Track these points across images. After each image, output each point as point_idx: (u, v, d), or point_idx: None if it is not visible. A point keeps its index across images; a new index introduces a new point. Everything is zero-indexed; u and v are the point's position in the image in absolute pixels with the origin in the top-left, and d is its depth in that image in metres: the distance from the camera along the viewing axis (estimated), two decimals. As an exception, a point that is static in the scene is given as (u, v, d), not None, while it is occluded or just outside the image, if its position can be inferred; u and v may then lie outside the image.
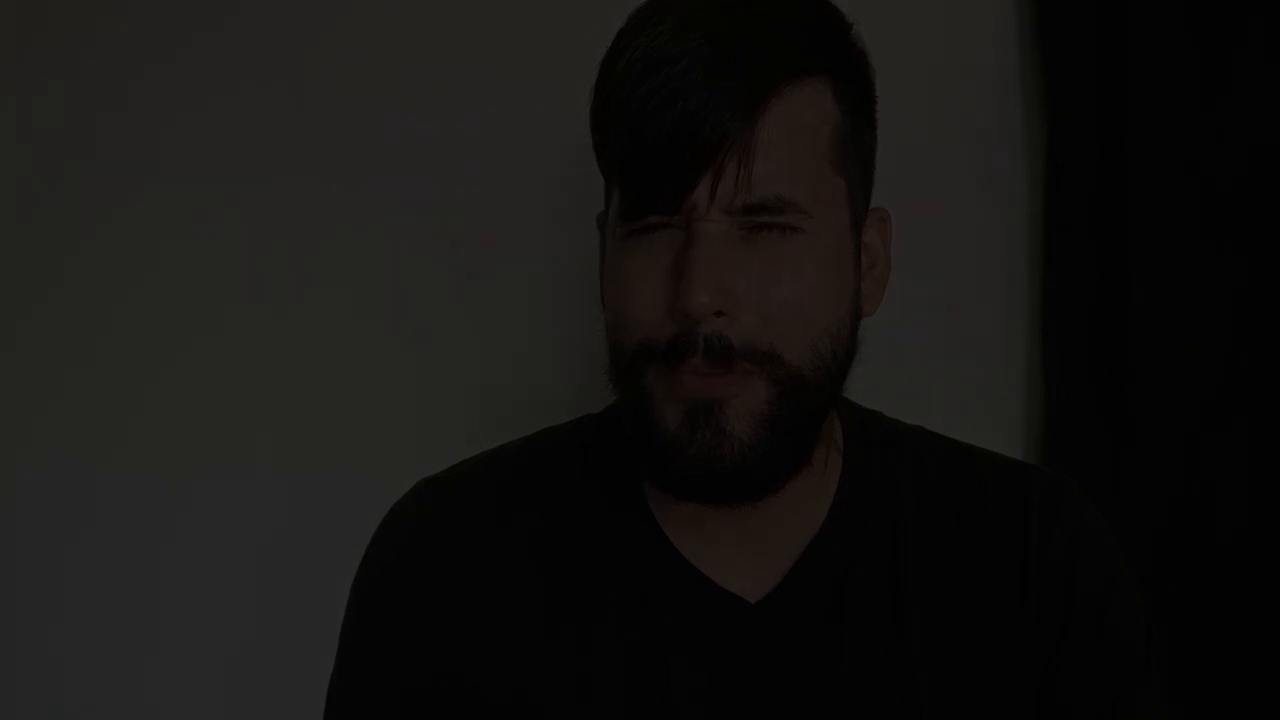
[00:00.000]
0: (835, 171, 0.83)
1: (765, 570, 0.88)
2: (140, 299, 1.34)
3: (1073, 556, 0.90)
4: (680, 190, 0.79)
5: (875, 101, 0.88)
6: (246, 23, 1.33)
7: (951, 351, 1.36)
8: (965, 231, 1.36)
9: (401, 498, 0.94)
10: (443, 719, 0.89)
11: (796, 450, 0.83)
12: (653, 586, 0.88)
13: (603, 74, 0.82)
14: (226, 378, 1.34)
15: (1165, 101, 1.29)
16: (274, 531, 1.33)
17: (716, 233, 0.79)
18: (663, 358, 0.80)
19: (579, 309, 1.32)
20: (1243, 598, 1.29)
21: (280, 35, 1.33)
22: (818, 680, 0.87)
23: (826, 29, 0.84)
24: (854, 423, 0.93)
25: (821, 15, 0.84)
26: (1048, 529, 0.90)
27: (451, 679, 0.88)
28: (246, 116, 1.33)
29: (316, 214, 1.33)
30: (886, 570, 0.89)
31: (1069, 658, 0.89)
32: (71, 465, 1.34)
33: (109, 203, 1.34)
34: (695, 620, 0.87)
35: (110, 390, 1.34)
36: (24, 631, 1.34)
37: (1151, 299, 1.29)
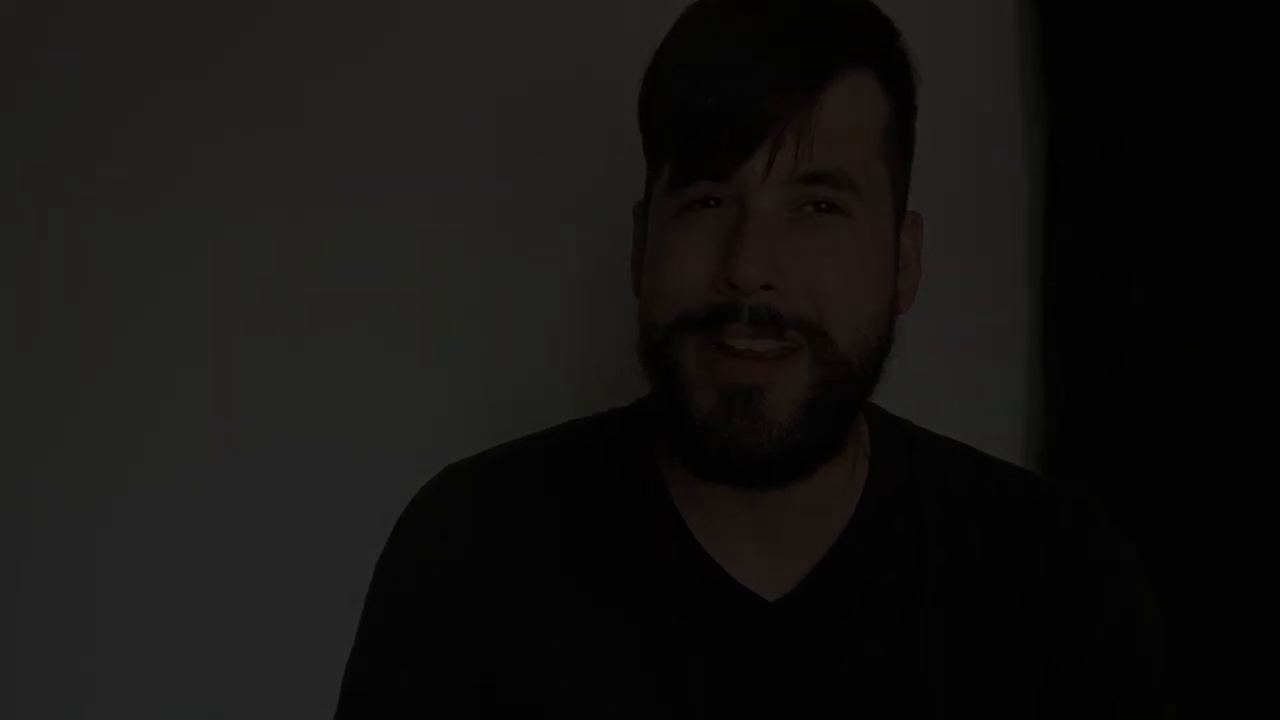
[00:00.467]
0: (883, 163, 0.84)
1: (787, 570, 0.88)
2: (152, 299, 1.34)
3: (1094, 578, 0.89)
4: (737, 158, 0.79)
5: (916, 111, 0.89)
6: (258, 25, 1.33)
7: (951, 351, 1.36)
8: (965, 231, 1.36)
9: (424, 486, 0.94)
10: (460, 708, 0.89)
11: (832, 437, 0.83)
12: (673, 581, 0.88)
13: (660, 55, 0.84)
14: (229, 374, 1.34)
15: (1165, 101, 1.29)
16: (279, 528, 1.33)
17: (770, 208, 0.79)
18: (703, 325, 0.79)
19: (578, 310, 1.32)
20: (1245, 598, 1.29)
21: (290, 36, 1.33)
22: (832, 682, 0.87)
23: (879, 29, 0.86)
24: (880, 426, 0.93)
25: (874, 17, 0.86)
26: (1071, 549, 0.90)
27: (469, 667, 0.88)
28: (257, 118, 1.33)
29: (316, 215, 1.34)
30: (908, 576, 0.89)
31: (1085, 676, 0.89)
32: (80, 463, 1.34)
33: (121, 209, 1.34)
34: (712, 616, 0.87)
35: (115, 391, 1.34)
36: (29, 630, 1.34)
37: (1151, 299, 1.29)
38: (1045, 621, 0.89)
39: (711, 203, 0.81)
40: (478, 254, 1.34)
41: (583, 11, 1.29)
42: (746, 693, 0.86)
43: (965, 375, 1.36)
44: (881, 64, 0.84)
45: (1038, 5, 1.34)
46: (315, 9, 1.34)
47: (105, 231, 1.33)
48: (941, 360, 1.35)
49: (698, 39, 0.81)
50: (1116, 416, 1.30)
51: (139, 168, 1.33)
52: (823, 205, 0.81)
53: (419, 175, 1.34)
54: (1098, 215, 1.31)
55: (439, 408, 1.34)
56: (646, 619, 0.87)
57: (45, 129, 1.31)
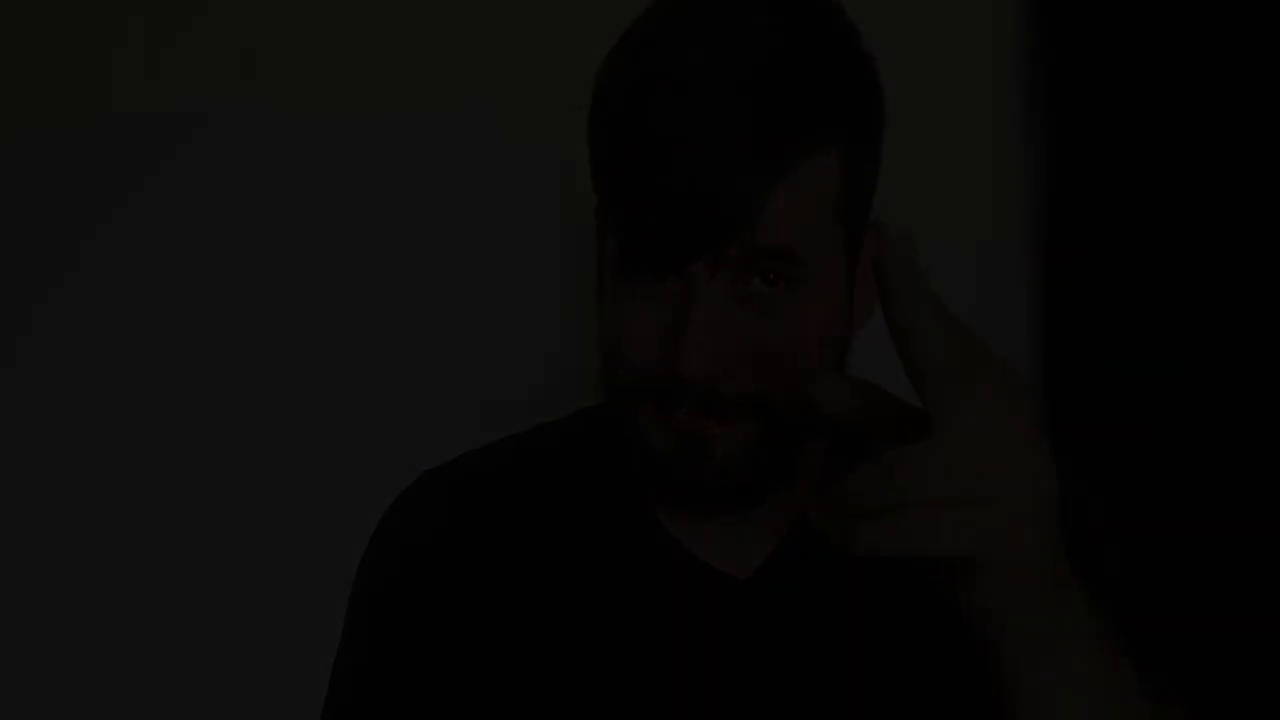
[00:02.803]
0: (836, 221, 0.83)
1: (751, 548, 0.90)
2: (142, 299, 1.34)
3: None
4: (683, 263, 0.79)
5: (884, 126, 0.86)
6: (246, 22, 1.33)
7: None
8: (966, 231, 1.36)
9: (404, 490, 0.96)
10: (443, 702, 0.90)
11: (782, 469, 0.86)
12: (646, 565, 0.90)
13: (611, 109, 0.81)
14: (223, 373, 1.34)
15: (1166, 101, 1.29)
16: (271, 529, 1.34)
17: (716, 298, 0.79)
18: (655, 398, 0.82)
19: (572, 313, 1.32)
20: (1251, 600, 1.29)
21: (285, 35, 1.33)
22: (806, 655, 0.88)
23: (841, 89, 0.81)
24: None
25: (843, 71, 0.82)
26: None
27: (450, 661, 0.90)
28: (246, 119, 1.33)
29: (314, 218, 1.34)
30: None
31: None
32: (75, 456, 1.34)
33: (112, 203, 1.34)
34: (690, 598, 0.89)
35: (110, 386, 1.34)
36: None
37: (1153, 299, 1.29)
38: None
39: (659, 280, 0.81)
40: (478, 255, 1.35)
41: (583, 9, 1.29)
42: (723, 670, 0.88)
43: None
44: (847, 130, 0.82)
45: (1039, 3, 1.34)
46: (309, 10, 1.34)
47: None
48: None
49: (646, 116, 0.77)
50: (1119, 418, 1.31)
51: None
52: (770, 279, 0.80)
53: (415, 177, 1.34)
54: (1099, 215, 1.31)
55: (433, 410, 1.34)
56: (623, 604, 0.89)
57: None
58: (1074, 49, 1.32)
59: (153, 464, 1.34)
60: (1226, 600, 1.29)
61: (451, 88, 1.34)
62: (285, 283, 1.34)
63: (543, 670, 0.88)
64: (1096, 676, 0.69)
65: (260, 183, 1.34)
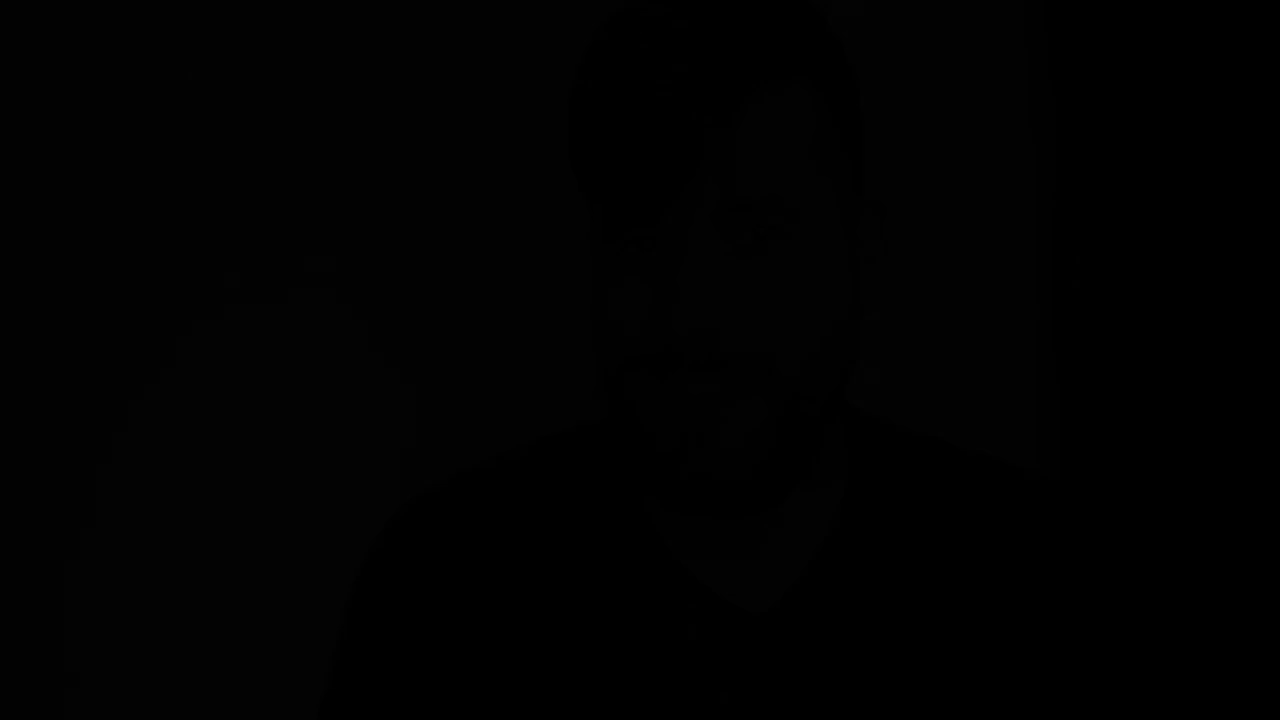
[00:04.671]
0: (820, 172, 0.81)
1: (770, 581, 0.86)
2: (139, 300, 1.34)
3: (1093, 577, 0.88)
4: (659, 204, 0.77)
5: (857, 92, 0.85)
6: (244, 19, 1.33)
7: (958, 352, 1.36)
8: (970, 231, 1.36)
9: (396, 513, 0.93)
10: None
11: (796, 462, 0.82)
12: (652, 596, 0.86)
13: (574, 91, 0.81)
14: (218, 383, 1.34)
15: (1170, 102, 1.29)
16: (267, 542, 1.33)
17: (700, 247, 0.77)
18: (649, 368, 0.79)
19: (573, 317, 1.32)
20: (1259, 598, 1.29)
21: (280, 33, 1.33)
22: (822, 695, 0.85)
23: (800, 27, 0.82)
24: (861, 431, 0.91)
25: (794, 13, 0.82)
26: (1065, 547, 0.89)
27: (448, 692, 0.87)
28: (242, 118, 1.33)
29: (311, 218, 1.34)
30: (894, 583, 0.87)
31: (1085, 683, 0.88)
32: (70, 467, 1.34)
33: (108, 202, 1.34)
34: (694, 632, 0.85)
35: (111, 393, 1.34)
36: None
37: (1158, 298, 1.29)
38: (1039, 623, 0.87)
39: (646, 243, 0.79)
40: (479, 257, 1.34)
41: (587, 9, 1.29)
42: (732, 709, 0.84)
43: (972, 376, 1.36)
44: (808, 66, 0.81)
45: (1045, 4, 1.34)
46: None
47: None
48: (947, 361, 1.35)
49: (605, 78, 0.78)
50: (1126, 416, 1.30)
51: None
52: (760, 232, 0.78)
53: (414, 178, 1.34)
54: (1105, 215, 1.31)
55: (433, 417, 1.34)
56: (626, 637, 0.86)
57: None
58: (1082, 47, 1.32)
59: (145, 473, 1.34)
60: (1229, 600, 1.29)
61: (459, 88, 1.34)
62: (275, 286, 1.34)
63: (539, 705, 0.85)
64: None
65: (261, 185, 1.34)
